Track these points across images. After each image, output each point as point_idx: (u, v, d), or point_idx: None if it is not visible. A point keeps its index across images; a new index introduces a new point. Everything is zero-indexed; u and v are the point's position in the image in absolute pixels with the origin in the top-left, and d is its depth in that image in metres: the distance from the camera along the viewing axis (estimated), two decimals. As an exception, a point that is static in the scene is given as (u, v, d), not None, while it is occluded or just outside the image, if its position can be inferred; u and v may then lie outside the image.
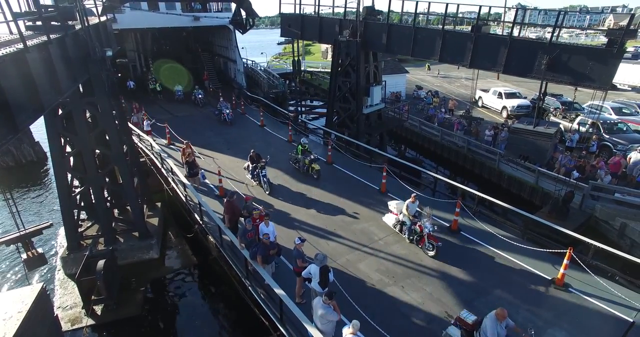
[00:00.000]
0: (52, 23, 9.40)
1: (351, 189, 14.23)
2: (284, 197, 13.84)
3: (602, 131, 19.42)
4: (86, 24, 10.85)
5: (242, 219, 10.44)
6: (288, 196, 13.91)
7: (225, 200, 11.07)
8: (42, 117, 9.18)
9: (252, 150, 14.60)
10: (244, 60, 32.72)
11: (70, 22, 10.13)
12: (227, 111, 22.34)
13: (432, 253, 10.33)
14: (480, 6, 14.92)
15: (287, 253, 9.90)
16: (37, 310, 8.18)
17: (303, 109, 33.01)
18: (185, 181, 13.46)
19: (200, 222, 12.29)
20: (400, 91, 32.14)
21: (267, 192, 14.02)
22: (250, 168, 14.73)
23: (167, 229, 16.47)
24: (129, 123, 17.61)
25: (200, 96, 26.49)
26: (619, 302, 8.64)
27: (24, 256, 9.23)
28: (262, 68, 35.80)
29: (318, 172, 15.11)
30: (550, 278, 9.49)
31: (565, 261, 9.15)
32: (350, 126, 20.22)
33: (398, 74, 32.58)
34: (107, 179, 14.11)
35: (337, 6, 20.39)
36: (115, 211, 14.97)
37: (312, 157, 15.39)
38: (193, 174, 14.29)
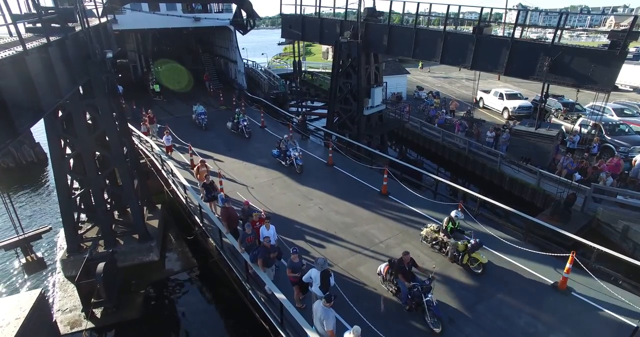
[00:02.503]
0: (52, 25, 9.37)
1: (352, 191, 14.17)
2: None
3: (604, 133, 19.35)
4: (86, 26, 10.81)
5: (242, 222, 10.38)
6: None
7: (220, 207, 10.99)
8: (42, 119, 9.16)
9: (405, 253, 8.53)
10: (245, 61, 32.69)
11: (70, 24, 10.11)
12: (296, 154, 15.74)
13: None
14: (482, 7, 14.87)
15: (286, 254, 9.84)
16: (35, 316, 8.13)
17: (303, 109, 32.98)
18: (185, 183, 13.42)
19: (201, 225, 12.24)
20: (401, 92, 32.10)
21: (437, 331, 7.94)
22: (404, 288, 8.45)
23: (167, 231, 16.42)
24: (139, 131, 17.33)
25: (245, 123, 20.63)
26: (623, 307, 8.57)
27: (23, 260, 9.19)
28: (262, 69, 35.78)
29: (484, 267, 9.68)
30: (552, 282, 9.42)
31: (567, 265, 9.08)
32: (351, 127, 20.17)
33: (399, 75, 32.51)
34: (107, 181, 14.06)
35: (338, 7, 20.32)
36: (115, 213, 14.93)
37: (473, 241, 9.67)
38: (211, 198, 12.38)
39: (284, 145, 16.32)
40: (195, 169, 14.06)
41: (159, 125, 20.30)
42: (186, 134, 19.70)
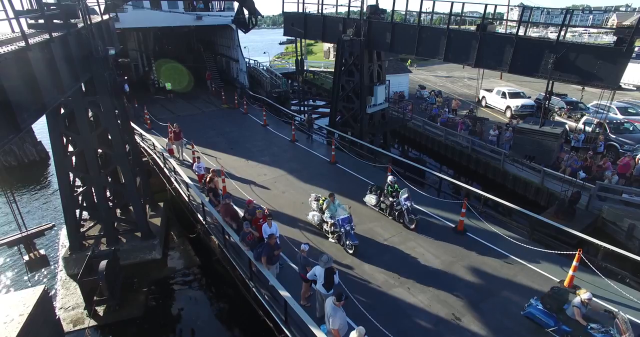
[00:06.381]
0: (55, 21, 9.32)
1: (355, 189, 14.08)
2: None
3: (608, 131, 19.24)
4: (89, 23, 10.76)
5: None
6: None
7: (221, 204, 10.91)
8: (44, 117, 9.11)
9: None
10: (247, 60, 32.62)
11: (72, 21, 10.06)
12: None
13: None
14: (486, 4, 14.80)
15: (290, 253, 9.79)
16: (38, 313, 8.09)
17: (305, 108, 32.94)
18: (188, 180, 13.36)
19: (204, 223, 12.19)
20: (403, 91, 32.01)
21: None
22: None
23: (170, 229, 16.38)
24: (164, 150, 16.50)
25: (408, 203, 11.51)
26: (630, 305, 8.49)
27: (26, 257, 9.14)
28: (264, 67, 35.72)
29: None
30: (558, 280, 9.34)
31: (574, 263, 9.00)
32: (353, 126, 20.10)
33: (401, 74, 32.46)
34: (109, 179, 14.01)
35: (341, 5, 20.26)
36: (118, 210, 14.88)
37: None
38: (217, 201, 11.90)
39: (549, 302, 7.95)
40: (207, 179, 12.71)
41: (186, 141, 17.63)
42: (189, 131, 19.16)
